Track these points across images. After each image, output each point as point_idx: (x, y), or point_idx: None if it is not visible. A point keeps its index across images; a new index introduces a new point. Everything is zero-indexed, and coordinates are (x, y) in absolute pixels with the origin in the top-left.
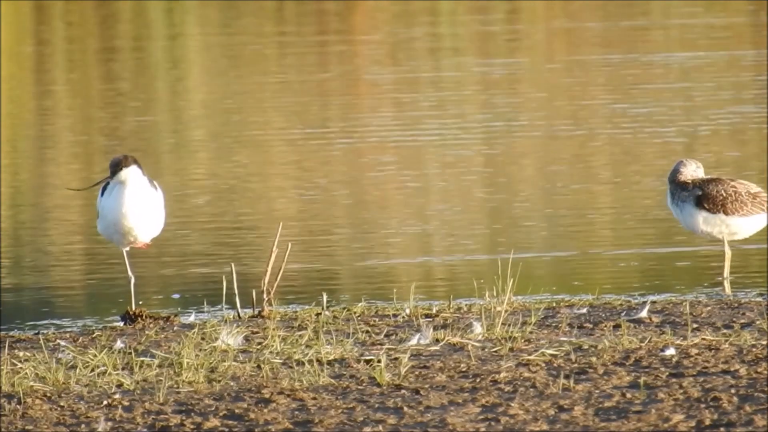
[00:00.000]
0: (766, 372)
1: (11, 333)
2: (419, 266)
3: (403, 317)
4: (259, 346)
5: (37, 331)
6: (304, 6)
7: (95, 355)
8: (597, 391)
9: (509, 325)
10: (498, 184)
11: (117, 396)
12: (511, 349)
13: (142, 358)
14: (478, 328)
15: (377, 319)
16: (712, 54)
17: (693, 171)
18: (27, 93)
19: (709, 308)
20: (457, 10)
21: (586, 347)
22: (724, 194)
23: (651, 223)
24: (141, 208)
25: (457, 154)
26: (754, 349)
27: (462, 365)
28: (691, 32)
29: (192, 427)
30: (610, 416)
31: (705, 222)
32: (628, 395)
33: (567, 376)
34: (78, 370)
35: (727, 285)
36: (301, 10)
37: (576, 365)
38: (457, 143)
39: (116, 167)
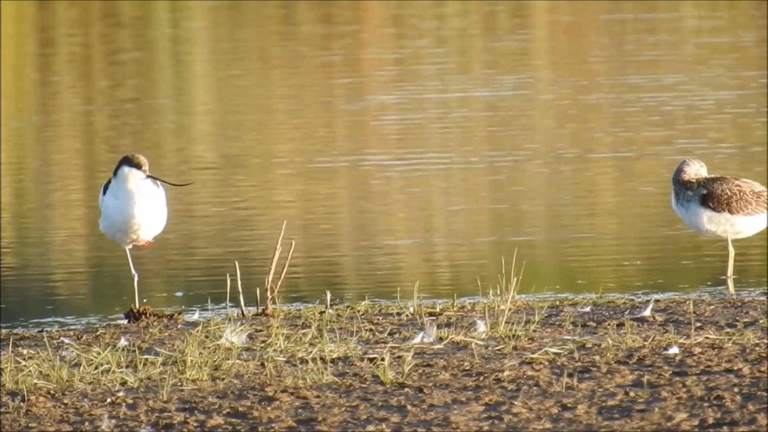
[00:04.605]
0: None
1: (15, 330)
2: (422, 265)
3: (407, 315)
4: (262, 344)
5: (40, 329)
6: (312, 10)
7: (99, 353)
8: (600, 390)
9: (513, 323)
10: (502, 184)
11: (121, 394)
12: (515, 348)
13: (145, 356)
14: (481, 327)
15: (381, 318)
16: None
17: (696, 170)
18: (28, 93)
19: (712, 307)
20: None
21: (589, 346)
22: (729, 193)
23: (654, 222)
24: (143, 207)
25: (459, 162)
26: (757, 348)
27: (465, 363)
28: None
29: (195, 424)
30: (614, 415)
31: (710, 221)
32: (632, 394)
33: (570, 375)
34: (81, 368)
35: (730, 284)
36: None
37: (579, 364)
38: (461, 153)
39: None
